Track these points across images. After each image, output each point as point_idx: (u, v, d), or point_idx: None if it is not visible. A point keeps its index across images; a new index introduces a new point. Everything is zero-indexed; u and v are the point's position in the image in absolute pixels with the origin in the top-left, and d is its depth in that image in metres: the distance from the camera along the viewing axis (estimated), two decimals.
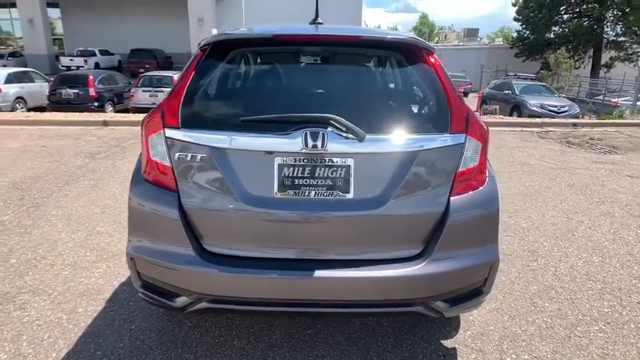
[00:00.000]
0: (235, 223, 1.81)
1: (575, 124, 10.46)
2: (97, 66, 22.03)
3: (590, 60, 27.71)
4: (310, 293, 1.80)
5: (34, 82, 13.57)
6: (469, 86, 26.86)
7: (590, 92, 21.21)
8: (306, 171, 1.77)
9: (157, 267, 1.86)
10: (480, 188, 1.90)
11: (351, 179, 1.77)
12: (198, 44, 2.07)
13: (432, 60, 1.95)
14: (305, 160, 1.76)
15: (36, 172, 5.37)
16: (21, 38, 25.18)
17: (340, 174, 1.77)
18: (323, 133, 1.72)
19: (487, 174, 1.95)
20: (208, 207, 1.81)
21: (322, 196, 1.77)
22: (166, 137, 1.82)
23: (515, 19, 30.64)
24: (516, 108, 14.35)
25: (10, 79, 12.46)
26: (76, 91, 12.26)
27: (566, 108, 13.98)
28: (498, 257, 1.93)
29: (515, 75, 22.51)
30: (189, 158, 1.80)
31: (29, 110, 12.28)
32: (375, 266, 1.80)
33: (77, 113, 10.19)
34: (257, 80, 2.29)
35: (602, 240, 3.74)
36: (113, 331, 2.34)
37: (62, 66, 21.49)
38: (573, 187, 5.35)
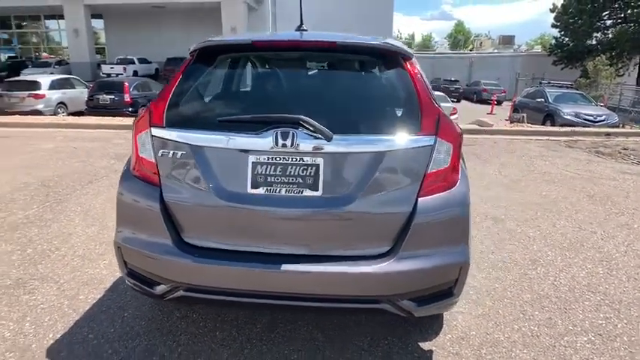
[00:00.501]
0: (211, 217, 1.92)
1: (608, 134, 10.01)
2: (135, 73, 23.05)
3: (636, 67, 26.34)
4: (278, 286, 1.87)
5: (74, 88, 14.44)
6: (502, 94, 26.13)
7: (635, 101, 20.15)
8: (278, 169, 1.85)
9: (139, 256, 1.99)
10: (451, 190, 1.91)
11: (320, 177, 1.83)
12: (189, 49, 2.21)
13: (407, 64, 1.99)
14: (276, 159, 1.84)
15: (64, 171, 5.75)
16: (67, 48, 26.79)
17: (310, 172, 1.84)
18: (293, 133, 1.80)
19: (459, 176, 1.96)
20: (187, 201, 1.93)
21: (293, 193, 1.85)
22: (152, 136, 1.96)
23: (554, 26, 29.66)
24: (549, 117, 13.82)
25: (54, 86, 13.33)
26: (112, 96, 12.92)
27: (604, 117, 13.34)
28: (469, 259, 1.93)
29: (549, 83, 21.70)
30: (171, 155, 1.93)
31: (69, 114, 13.07)
32: (341, 262, 1.85)
33: (110, 118, 10.77)
34: (237, 83, 2.41)
35: (612, 252, 3.58)
36: (107, 317, 2.49)
37: (103, 73, 22.68)
38: (593, 197, 5.14)
